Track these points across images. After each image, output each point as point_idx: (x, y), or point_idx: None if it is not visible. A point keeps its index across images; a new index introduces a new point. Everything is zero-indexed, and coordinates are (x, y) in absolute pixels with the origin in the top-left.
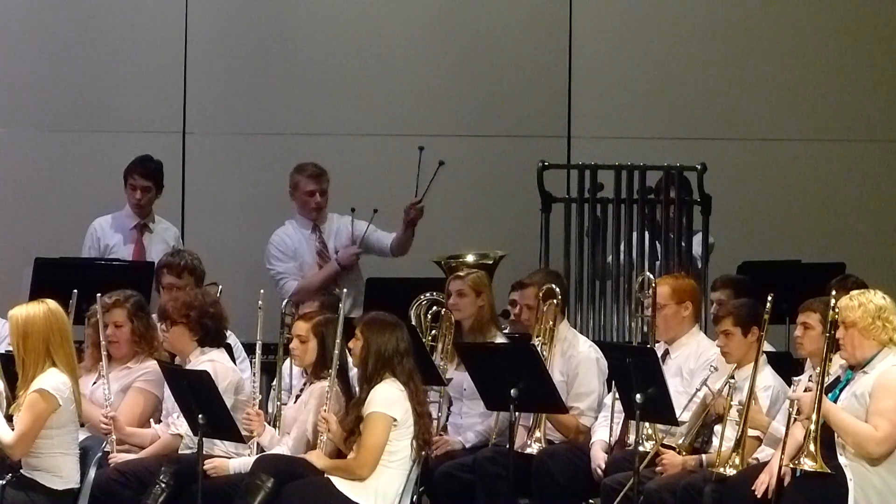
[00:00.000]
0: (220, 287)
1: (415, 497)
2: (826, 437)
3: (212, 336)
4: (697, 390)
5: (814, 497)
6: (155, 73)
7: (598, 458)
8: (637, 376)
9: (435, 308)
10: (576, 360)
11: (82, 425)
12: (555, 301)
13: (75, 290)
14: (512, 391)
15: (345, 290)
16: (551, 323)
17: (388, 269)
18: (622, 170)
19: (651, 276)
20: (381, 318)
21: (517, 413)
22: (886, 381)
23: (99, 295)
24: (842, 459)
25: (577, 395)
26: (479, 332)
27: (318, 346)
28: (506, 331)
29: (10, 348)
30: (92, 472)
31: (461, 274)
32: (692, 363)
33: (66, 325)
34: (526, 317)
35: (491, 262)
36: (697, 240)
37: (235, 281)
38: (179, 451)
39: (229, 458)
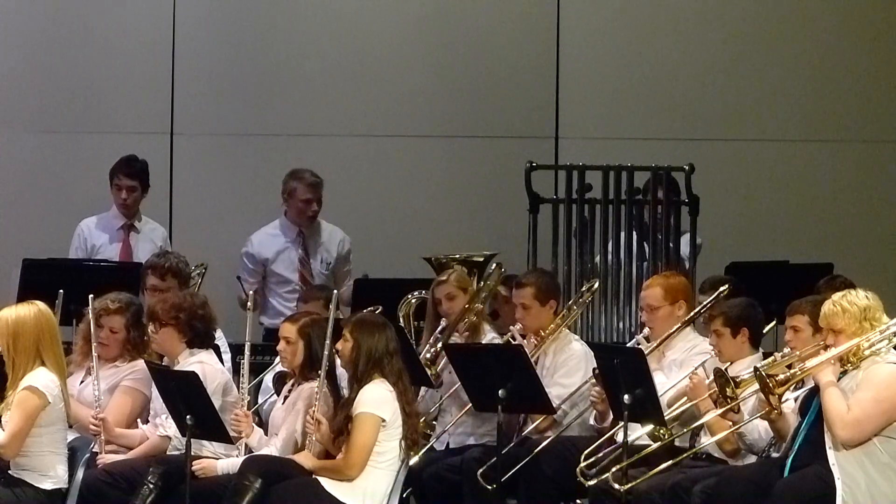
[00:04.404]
0: (206, 265)
1: (404, 494)
2: (816, 436)
3: (200, 337)
4: (695, 369)
5: (802, 497)
6: (143, 73)
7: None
8: (625, 377)
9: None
10: (565, 355)
11: (70, 426)
12: (552, 300)
13: (61, 291)
14: (500, 392)
15: (335, 291)
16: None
17: (376, 269)
18: (610, 170)
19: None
20: (370, 318)
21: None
22: (873, 375)
23: (91, 297)
24: (830, 457)
25: (555, 382)
26: (471, 332)
27: (304, 347)
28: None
29: None
30: (80, 473)
31: (443, 278)
32: (685, 356)
33: (55, 326)
34: (520, 315)
35: (481, 259)
36: (685, 240)
37: (223, 282)
38: (168, 452)
39: (217, 458)
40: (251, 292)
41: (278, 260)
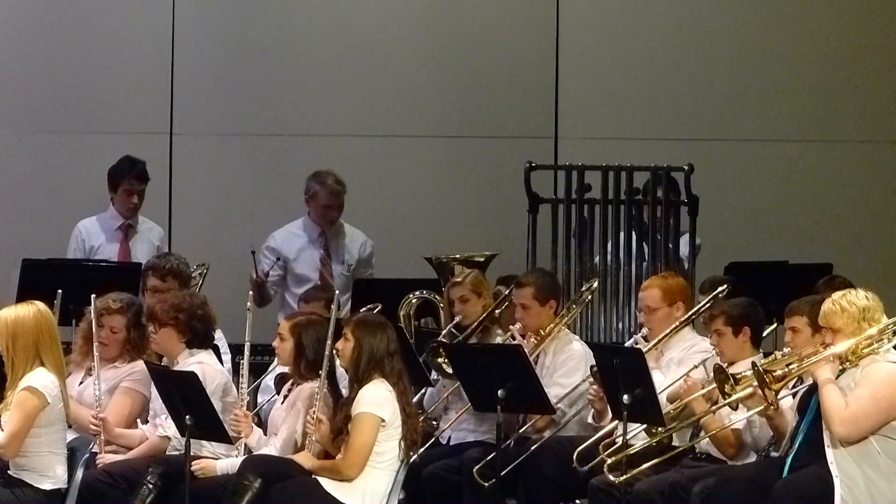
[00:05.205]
0: (207, 265)
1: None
2: (815, 435)
3: (200, 338)
4: (695, 366)
5: (801, 496)
6: (142, 73)
7: None
8: (624, 377)
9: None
10: (565, 355)
11: (70, 426)
12: (552, 300)
13: (60, 291)
14: (499, 392)
15: (337, 291)
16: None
17: (377, 269)
18: (609, 170)
19: None
20: (372, 318)
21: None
22: (872, 374)
23: (94, 296)
24: (829, 456)
25: (555, 382)
26: (482, 332)
27: (295, 345)
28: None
29: None
30: (79, 473)
31: (458, 280)
32: (684, 355)
33: (54, 326)
34: (520, 315)
35: (482, 259)
36: (684, 241)
37: (223, 282)
38: (167, 452)
39: (217, 458)
40: (250, 293)
41: (300, 259)
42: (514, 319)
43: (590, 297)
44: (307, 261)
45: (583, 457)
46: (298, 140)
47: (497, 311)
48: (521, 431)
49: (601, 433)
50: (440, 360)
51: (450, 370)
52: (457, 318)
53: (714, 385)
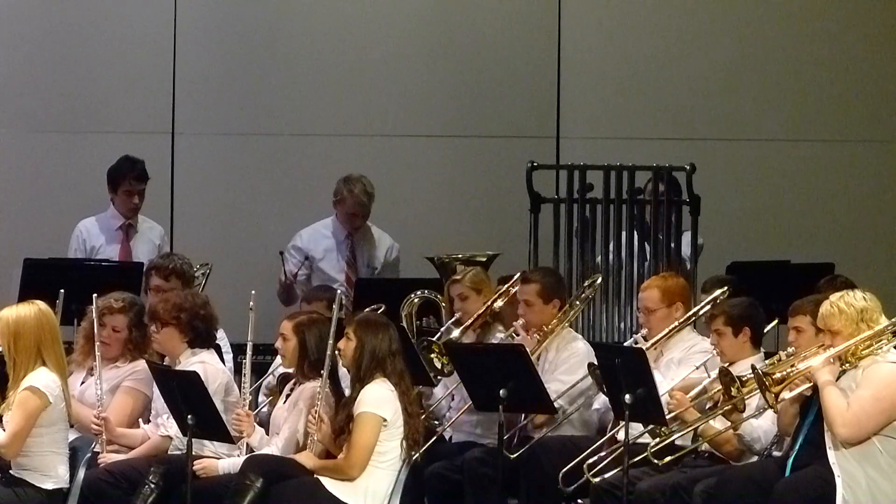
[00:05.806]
0: (211, 265)
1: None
2: (817, 436)
3: (202, 337)
4: (697, 367)
5: (803, 496)
6: (144, 73)
7: None
8: (626, 377)
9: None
10: (567, 352)
11: (71, 426)
12: (556, 299)
13: (62, 291)
14: (501, 391)
15: (339, 290)
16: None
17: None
18: (611, 170)
19: None
20: (374, 318)
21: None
22: (873, 374)
23: (95, 296)
24: (830, 456)
25: (556, 379)
26: (482, 329)
27: (298, 345)
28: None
29: None
30: (81, 473)
31: (457, 278)
32: (684, 355)
33: (56, 325)
34: (523, 311)
35: (484, 258)
36: (686, 240)
37: (225, 282)
38: (169, 452)
39: (219, 458)
40: (252, 292)
41: (326, 259)
42: (517, 317)
43: (592, 293)
44: (333, 262)
45: (567, 477)
46: (300, 140)
47: (497, 305)
48: (519, 427)
49: (604, 439)
50: (433, 356)
51: (440, 366)
52: (456, 315)
53: (719, 388)
